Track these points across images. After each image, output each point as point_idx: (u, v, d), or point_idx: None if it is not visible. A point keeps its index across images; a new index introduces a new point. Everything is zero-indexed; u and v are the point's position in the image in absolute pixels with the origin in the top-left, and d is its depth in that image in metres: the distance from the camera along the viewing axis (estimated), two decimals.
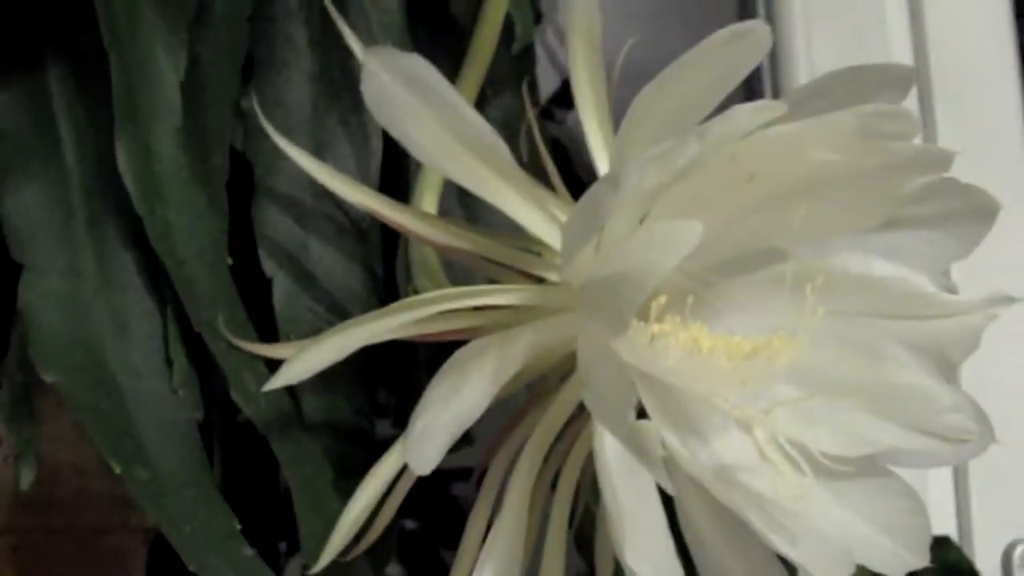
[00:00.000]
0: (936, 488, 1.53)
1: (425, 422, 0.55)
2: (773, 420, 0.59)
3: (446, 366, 0.57)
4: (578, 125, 0.67)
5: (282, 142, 0.63)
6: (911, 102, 1.59)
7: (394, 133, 0.58)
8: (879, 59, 1.57)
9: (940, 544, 1.13)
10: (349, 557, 0.62)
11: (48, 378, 0.59)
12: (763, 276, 0.63)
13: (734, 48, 0.55)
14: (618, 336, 0.54)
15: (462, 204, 0.79)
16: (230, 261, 0.65)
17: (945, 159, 0.59)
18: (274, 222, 0.70)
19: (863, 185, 0.60)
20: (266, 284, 0.69)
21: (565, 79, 1.72)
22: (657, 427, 0.52)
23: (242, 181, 0.70)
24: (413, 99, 0.57)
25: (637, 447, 0.52)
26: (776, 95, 1.60)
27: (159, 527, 0.58)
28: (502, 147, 0.59)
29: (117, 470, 0.58)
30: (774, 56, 1.58)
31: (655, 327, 0.59)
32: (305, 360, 0.59)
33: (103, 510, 0.78)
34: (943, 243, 0.63)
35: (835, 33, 1.58)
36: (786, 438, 0.60)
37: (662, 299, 0.58)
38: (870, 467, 0.61)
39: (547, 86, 1.65)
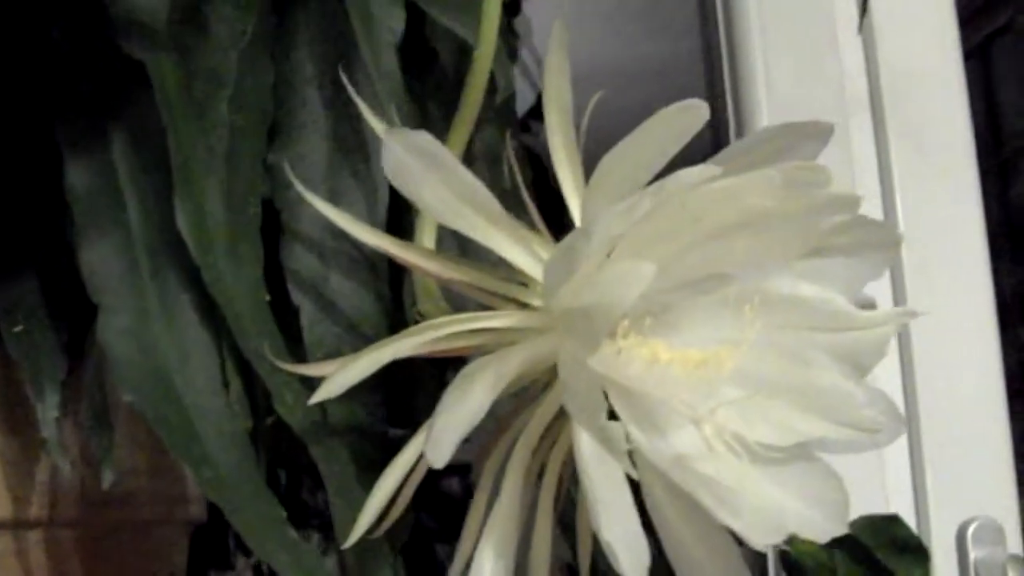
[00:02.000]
0: (893, 468, 1.65)
1: (441, 423, 0.68)
2: (719, 417, 0.73)
3: (457, 378, 0.70)
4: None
5: (305, 192, 0.76)
6: (865, 111, 1.71)
7: (407, 194, 0.72)
8: (833, 76, 1.71)
9: (890, 521, 1.24)
10: (373, 536, 0.75)
11: (126, 398, 0.73)
12: (711, 298, 0.76)
13: (680, 119, 0.69)
14: (591, 354, 0.68)
15: (455, 237, 0.92)
16: (268, 297, 0.78)
17: (854, 202, 0.73)
18: (299, 258, 0.83)
19: (790, 223, 0.73)
20: (294, 312, 0.83)
21: (539, 94, 1.85)
22: (623, 426, 0.66)
23: (271, 225, 0.84)
24: (422, 167, 0.70)
25: (606, 442, 0.66)
26: (737, 114, 1.73)
27: (227, 516, 0.71)
28: (492, 200, 0.73)
29: (188, 470, 0.71)
30: (735, 83, 1.71)
31: (621, 343, 0.73)
32: (343, 376, 0.72)
33: (152, 506, 0.91)
34: (858, 268, 0.77)
35: (791, 55, 1.71)
36: (729, 431, 0.73)
37: (626, 321, 0.72)
38: (800, 454, 0.74)
39: (523, 102, 1.78)
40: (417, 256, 0.77)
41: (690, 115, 0.69)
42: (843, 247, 0.76)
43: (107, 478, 0.76)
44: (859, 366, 0.76)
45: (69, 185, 0.76)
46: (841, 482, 0.74)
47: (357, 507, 0.73)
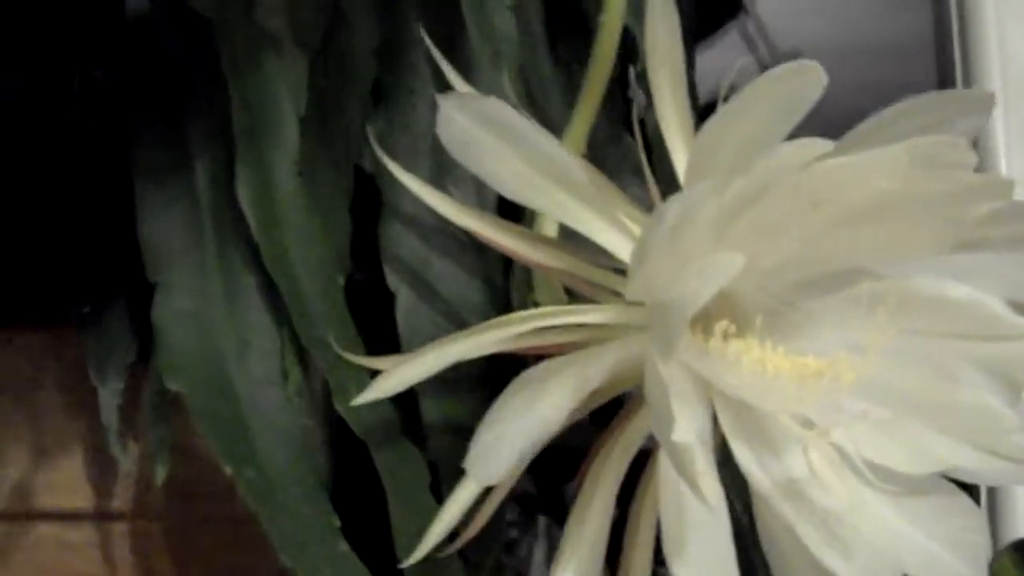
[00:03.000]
0: None
1: (495, 434, 0.59)
2: (837, 436, 0.62)
3: (520, 381, 0.61)
4: None
5: (392, 165, 0.68)
6: None
7: (475, 171, 0.63)
8: None
9: None
10: (444, 553, 0.66)
11: (173, 386, 0.67)
12: (842, 296, 0.65)
13: (792, 84, 0.58)
14: (666, 357, 0.57)
15: None
16: (342, 281, 0.71)
17: (1006, 188, 0.61)
18: (399, 239, 0.75)
19: (927, 210, 0.62)
20: (390, 299, 0.75)
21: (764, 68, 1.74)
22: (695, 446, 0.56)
23: (371, 201, 0.76)
24: (492, 139, 0.61)
25: (675, 459, 0.56)
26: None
27: (262, 525, 0.64)
28: (582, 175, 0.63)
29: (227, 471, 0.65)
30: (965, 51, 1.55)
31: (729, 345, 0.62)
32: (400, 374, 0.63)
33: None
34: (1020, 266, 0.65)
35: None
36: (850, 454, 0.62)
37: (724, 321, 0.61)
38: (936, 485, 0.63)
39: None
40: (510, 239, 0.68)
41: (804, 79, 0.58)
42: (1001, 241, 0.65)
43: (160, 473, 0.70)
44: (1013, 383, 0.63)
45: (133, 150, 0.70)
46: (983, 520, 0.63)
47: (423, 520, 0.65)
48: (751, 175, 0.56)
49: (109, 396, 0.72)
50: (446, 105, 0.61)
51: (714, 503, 0.57)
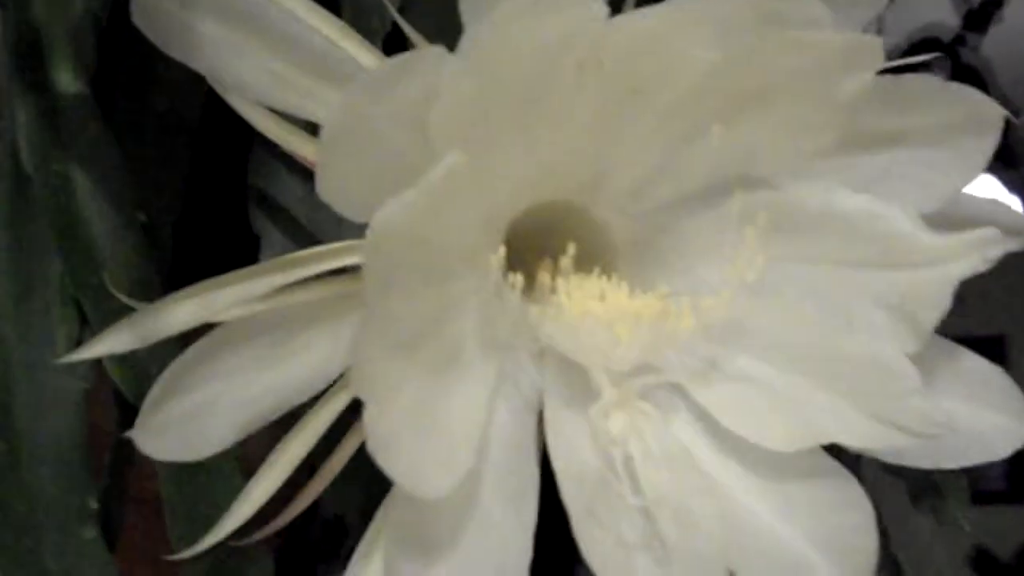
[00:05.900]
0: None
1: (204, 396, 0.46)
2: (683, 398, 0.47)
3: (243, 325, 0.46)
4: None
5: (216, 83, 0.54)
6: None
7: (199, 67, 0.49)
8: None
9: None
10: (244, 543, 0.53)
11: None
12: (714, 215, 0.49)
13: None
14: (374, 302, 0.42)
15: None
16: (143, 218, 0.58)
17: (874, 50, 0.43)
18: (270, 172, 0.63)
19: (784, 89, 0.45)
20: (253, 242, 0.62)
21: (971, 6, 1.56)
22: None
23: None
24: (219, 27, 0.48)
25: None
26: None
27: None
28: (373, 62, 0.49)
29: None
30: None
31: (556, 284, 0.48)
32: (135, 328, 0.50)
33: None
34: (945, 163, 0.47)
35: None
36: (690, 422, 0.47)
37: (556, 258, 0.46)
38: (816, 465, 0.46)
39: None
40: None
41: None
42: (922, 132, 0.47)
43: None
44: (917, 326, 0.46)
45: None
46: (871, 518, 0.45)
47: (220, 502, 0.53)
48: (466, 50, 0.41)
49: None
50: None
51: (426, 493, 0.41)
